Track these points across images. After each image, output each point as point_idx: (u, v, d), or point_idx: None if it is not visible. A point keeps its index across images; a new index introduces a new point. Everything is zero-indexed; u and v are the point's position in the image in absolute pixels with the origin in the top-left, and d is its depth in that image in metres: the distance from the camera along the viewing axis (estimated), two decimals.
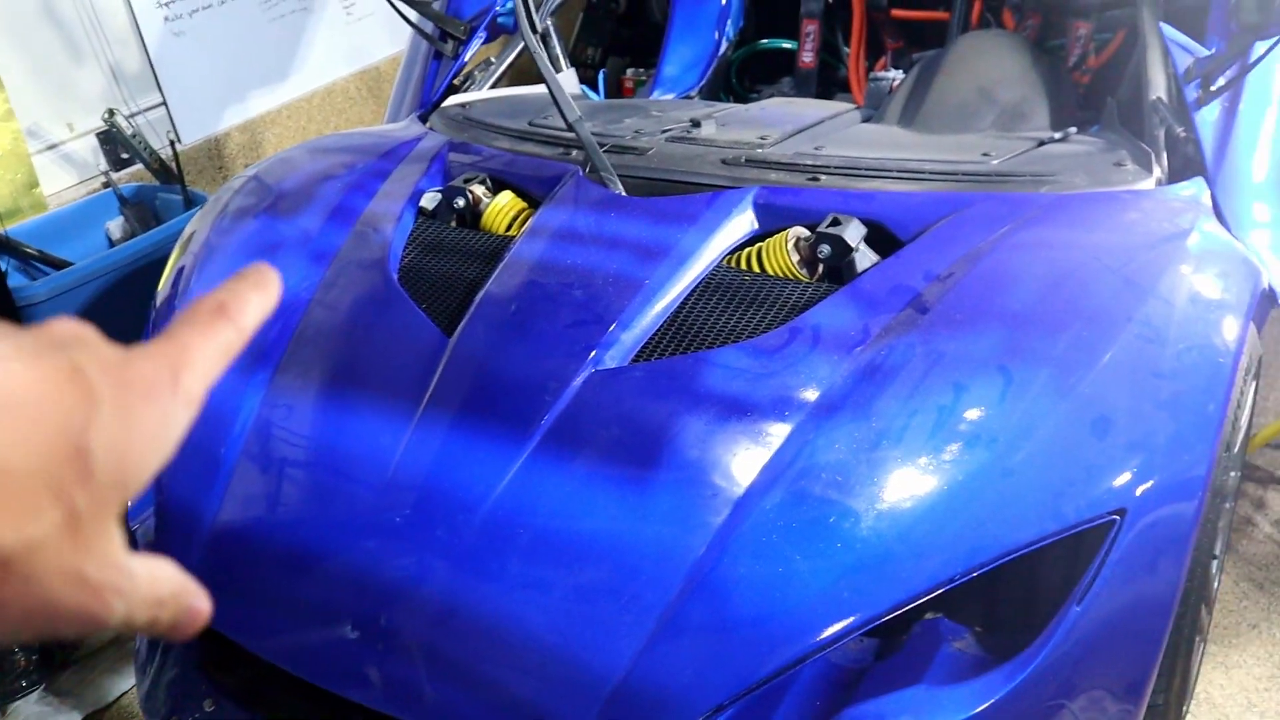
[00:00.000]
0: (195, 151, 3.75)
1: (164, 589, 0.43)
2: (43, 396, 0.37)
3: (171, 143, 3.40)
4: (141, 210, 3.36)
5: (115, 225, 3.34)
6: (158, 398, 0.41)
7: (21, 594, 0.37)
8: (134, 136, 3.33)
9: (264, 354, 1.78)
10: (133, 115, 3.51)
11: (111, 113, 3.32)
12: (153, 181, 3.45)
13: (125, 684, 2.34)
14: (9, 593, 0.37)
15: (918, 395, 1.39)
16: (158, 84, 3.62)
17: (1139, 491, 1.32)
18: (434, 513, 1.46)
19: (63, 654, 2.38)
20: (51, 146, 3.37)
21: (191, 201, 3.30)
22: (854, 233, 1.69)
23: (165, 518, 1.67)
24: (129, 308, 2.97)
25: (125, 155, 3.44)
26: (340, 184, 2.12)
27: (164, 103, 3.65)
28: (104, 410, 0.39)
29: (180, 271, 2.02)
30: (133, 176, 3.49)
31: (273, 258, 1.96)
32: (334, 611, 1.46)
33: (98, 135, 3.44)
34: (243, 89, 3.93)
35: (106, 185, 3.37)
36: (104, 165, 3.46)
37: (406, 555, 1.44)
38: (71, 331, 0.42)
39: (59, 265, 3.08)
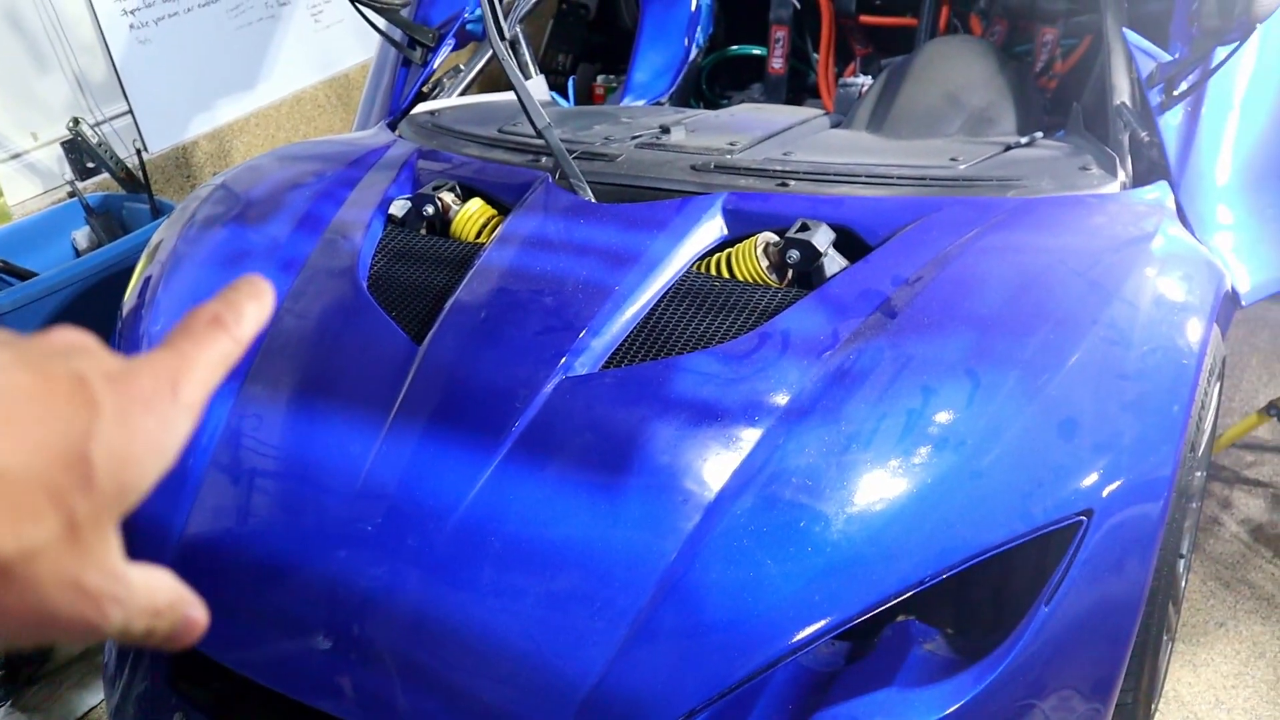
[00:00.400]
0: (162, 160, 3.72)
1: (161, 598, 0.43)
2: (45, 404, 0.38)
3: (138, 151, 3.37)
4: (108, 220, 3.33)
5: (81, 235, 3.31)
6: (158, 407, 0.42)
7: (20, 601, 0.37)
8: (100, 145, 3.30)
9: None
10: (98, 124, 3.48)
11: (77, 121, 3.29)
12: (119, 191, 3.42)
13: (94, 699, 2.31)
14: (7, 599, 0.37)
15: (887, 399, 1.40)
16: (124, 92, 3.60)
17: (1106, 492, 1.34)
18: (405, 521, 1.46)
19: (30, 669, 2.35)
20: (15, 156, 3.34)
21: (159, 211, 3.28)
22: (823, 238, 1.70)
23: (133, 529, 1.65)
24: (96, 318, 2.94)
25: (91, 164, 3.41)
26: (309, 192, 2.11)
27: (130, 111, 3.63)
28: (105, 419, 0.39)
29: (147, 281, 2.00)
30: (99, 186, 3.46)
31: (240, 266, 1.95)
32: (305, 622, 1.45)
33: (63, 144, 3.41)
34: (210, 97, 3.91)
35: (72, 195, 3.34)
36: (69, 174, 3.43)
37: (378, 565, 1.44)
38: (73, 340, 0.42)
39: (24, 276, 3.05)
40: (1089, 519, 1.33)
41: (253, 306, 0.48)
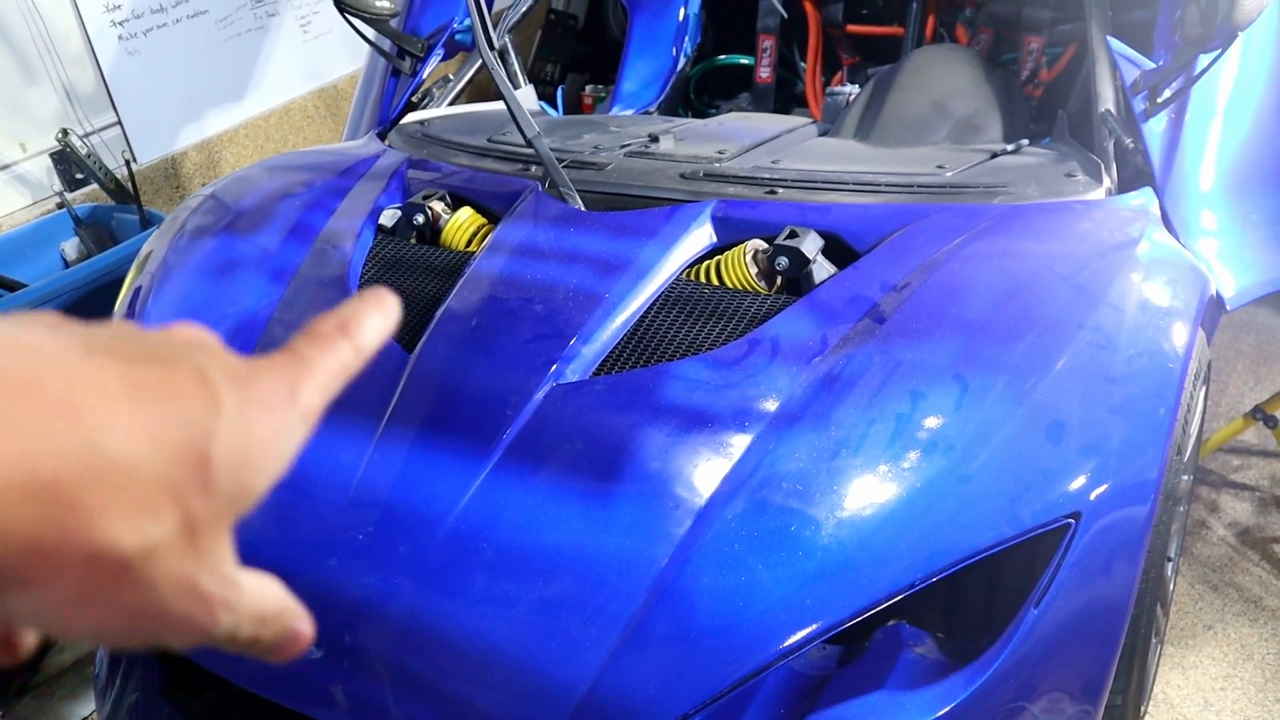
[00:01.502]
0: (151, 171, 3.72)
1: (269, 606, 0.43)
2: (169, 399, 0.37)
3: (127, 162, 3.37)
4: (97, 231, 3.33)
5: (70, 246, 3.30)
6: (276, 410, 0.41)
7: (134, 600, 0.37)
8: (89, 156, 3.30)
9: None
10: (87, 135, 3.48)
11: (65, 132, 3.29)
12: (108, 202, 3.42)
13: (85, 709, 2.31)
14: (122, 598, 0.36)
15: (876, 404, 1.41)
16: (112, 103, 3.60)
17: (1093, 495, 1.35)
18: (397, 529, 1.46)
19: (21, 679, 2.35)
20: (4, 167, 3.34)
21: (148, 221, 3.28)
22: (811, 245, 1.71)
23: None
24: None
25: (80, 175, 3.41)
26: (299, 202, 2.12)
27: (119, 122, 3.63)
28: (226, 418, 0.39)
29: (137, 292, 2.01)
30: (88, 197, 3.46)
31: (231, 276, 1.95)
32: None
33: (51, 155, 3.41)
34: (199, 108, 3.91)
35: (61, 206, 3.34)
36: (58, 186, 3.43)
37: (370, 573, 1.44)
38: (195, 337, 0.42)
39: (13, 287, 3.05)
40: (1077, 522, 1.34)
41: (377, 318, 0.47)
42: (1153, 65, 2.00)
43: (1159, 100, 1.94)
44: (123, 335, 0.39)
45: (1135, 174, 1.96)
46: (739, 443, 1.41)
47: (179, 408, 0.37)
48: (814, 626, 1.28)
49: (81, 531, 0.34)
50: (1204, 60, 1.90)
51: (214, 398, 0.38)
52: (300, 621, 0.44)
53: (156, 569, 0.36)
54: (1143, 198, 1.86)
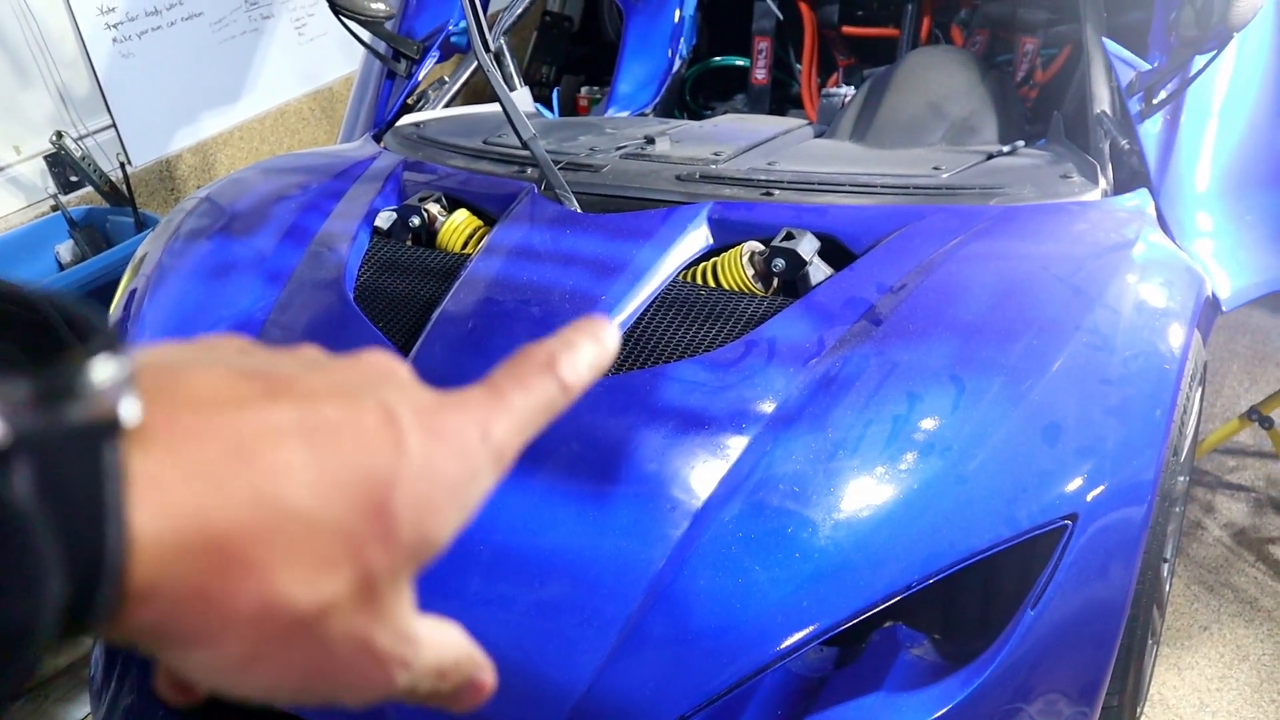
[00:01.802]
0: (146, 174, 3.71)
1: (448, 657, 0.40)
2: (351, 441, 0.34)
3: (122, 165, 3.37)
4: (91, 233, 3.32)
5: (65, 249, 3.30)
6: (466, 453, 0.37)
7: (306, 659, 0.34)
8: (83, 159, 3.30)
9: None
10: (82, 138, 3.47)
11: (60, 135, 3.29)
12: (103, 204, 3.41)
13: (80, 712, 2.30)
14: (294, 657, 0.34)
15: (873, 405, 1.40)
16: (107, 106, 3.59)
17: (1090, 497, 1.35)
18: None
19: None
20: None
21: (143, 224, 3.27)
22: (808, 246, 1.71)
23: None
24: None
25: (74, 178, 3.40)
26: (294, 204, 2.11)
27: (114, 124, 3.62)
28: (410, 462, 0.35)
29: (132, 294, 2.00)
30: (82, 199, 3.46)
31: (226, 279, 1.95)
32: None
33: (46, 158, 3.40)
34: (194, 110, 3.91)
35: (55, 208, 3.34)
36: (52, 188, 3.42)
37: None
38: (385, 367, 0.39)
39: None
40: (1073, 523, 1.34)
41: (591, 350, 0.42)
42: (1148, 67, 2.00)
43: (1154, 101, 1.94)
44: (310, 365, 0.37)
45: (1131, 175, 1.96)
46: (736, 444, 1.41)
47: (360, 452, 0.34)
48: (811, 628, 1.28)
49: (252, 590, 0.32)
50: (1199, 61, 1.91)
51: (399, 439, 0.35)
52: (482, 671, 0.42)
53: (331, 627, 0.34)
54: (1138, 199, 1.86)
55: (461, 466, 0.37)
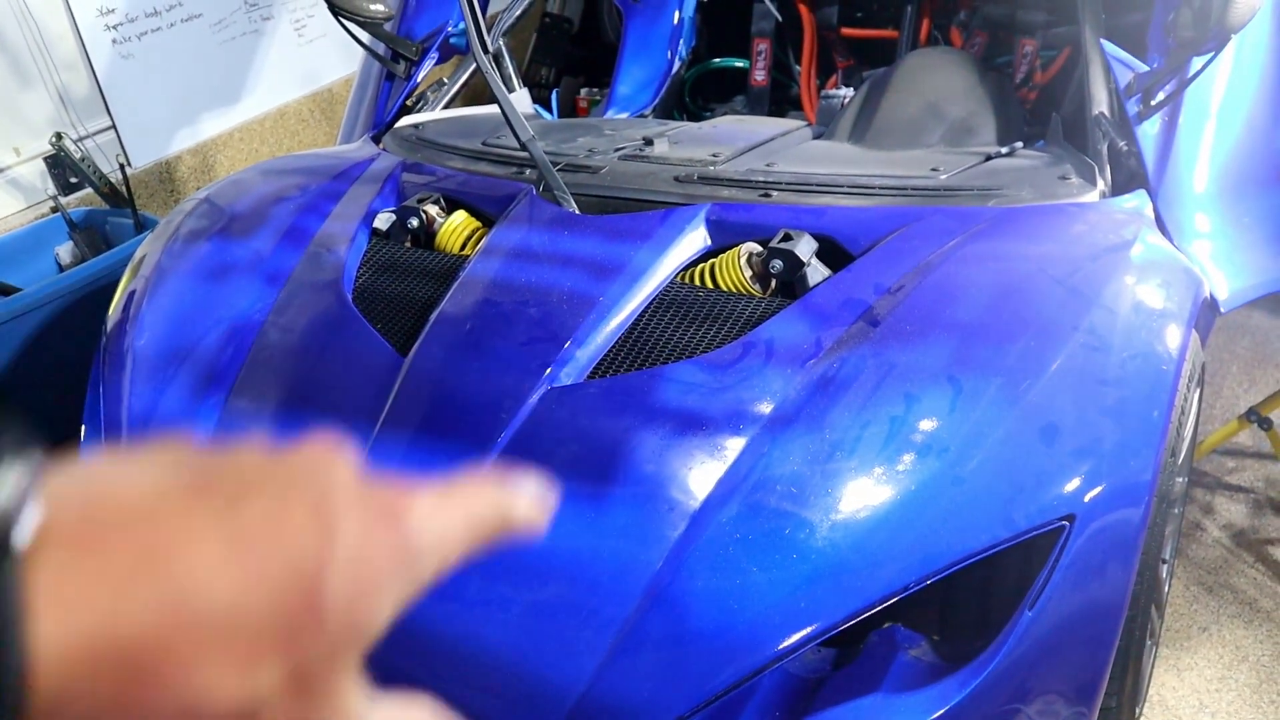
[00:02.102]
0: (146, 175, 3.72)
1: None
2: (277, 537, 0.34)
3: (121, 166, 3.37)
4: (91, 235, 3.32)
5: (64, 250, 3.30)
6: (403, 538, 0.37)
7: None
8: (83, 160, 3.30)
9: (217, 377, 1.77)
10: (81, 139, 3.48)
11: (59, 136, 3.29)
12: (102, 206, 3.41)
13: None
14: None
15: (870, 406, 1.41)
16: (106, 107, 3.59)
17: (1087, 497, 1.35)
18: None
19: None
20: None
21: (142, 225, 3.27)
22: (805, 248, 1.71)
23: None
24: (79, 333, 2.93)
25: (74, 179, 3.40)
26: (293, 205, 2.12)
27: (113, 126, 3.62)
28: (342, 549, 0.35)
29: (131, 295, 2.00)
30: (81, 201, 3.46)
31: (225, 280, 1.95)
32: None
33: (45, 159, 3.40)
34: (193, 111, 3.91)
35: (55, 210, 3.34)
36: (52, 190, 3.43)
37: None
38: (324, 458, 0.38)
39: (7, 291, 3.04)
40: (1071, 524, 1.34)
41: (539, 493, 0.43)
42: (1146, 68, 2.00)
43: (1153, 103, 1.95)
44: (243, 466, 0.36)
45: (1129, 176, 1.96)
46: (733, 445, 1.41)
47: (286, 544, 0.34)
48: (809, 629, 1.28)
49: (170, 694, 0.32)
50: (1197, 63, 1.91)
51: (329, 527, 0.35)
52: None
53: (266, 718, 0.33)
54: (1136, 200, 1.87)
55: (397, 552, 0.37)
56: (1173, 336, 1.53)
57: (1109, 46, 2.03)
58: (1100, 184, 1.89)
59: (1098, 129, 1.99)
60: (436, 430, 1.55)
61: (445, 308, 1.74)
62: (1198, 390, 1.89)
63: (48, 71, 3.42)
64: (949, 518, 1.32)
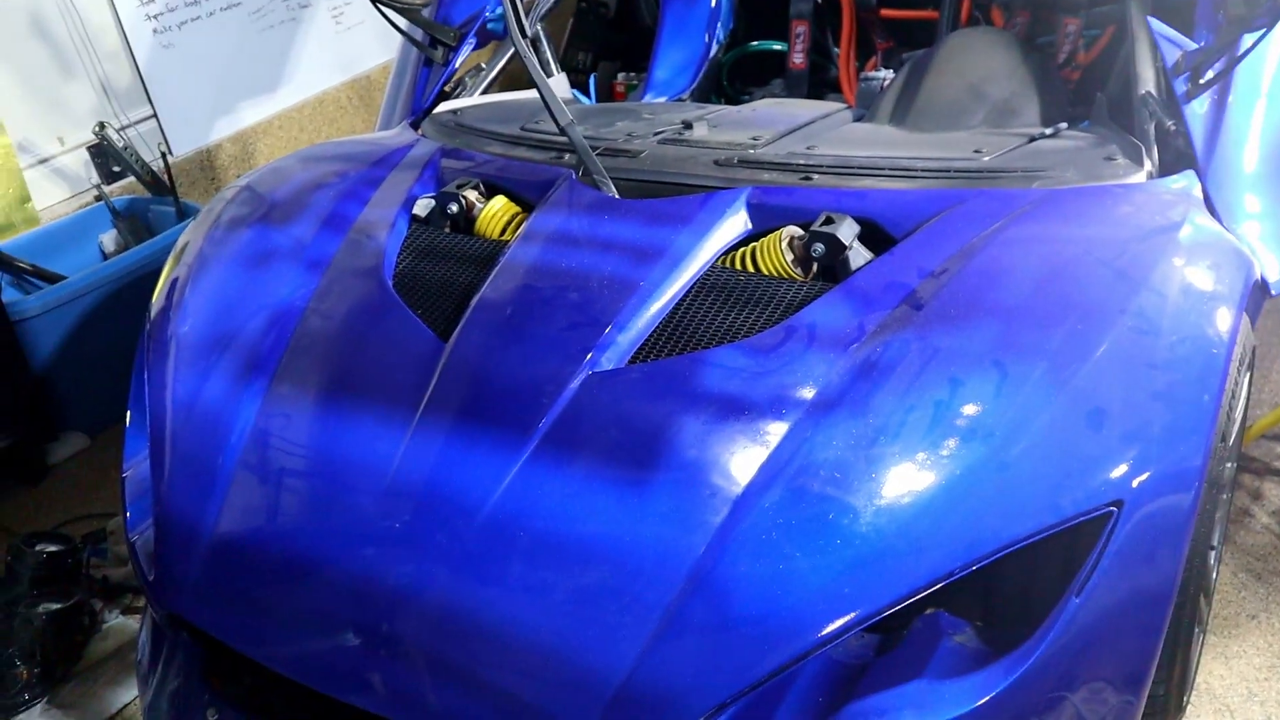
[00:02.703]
0: (187, 163, 3.75)
1: None
2: None
3: (163, 154, 3.40)
4: (134, 223, 3.36)
5: (108, 238, 3.34)
6: None
7: None
8: (125, 149, 3.33)
9: (260, 363, 1.78)
10: (123, 128, 3.51)
11: (102, 125, 3.32)
12: (145, 194, 3.45)
13: (128, 695, 2.33)
14: None
15: (914, 391, 1.39)
16: (148, 96, 3.63)
17: (1135, 483, 1.33)
18: (433, 518, 1.46)
19: (64, 666, 2.38)
20: (42, 161, 3.37)
21: (184, 213, 3.30)
22: (847, 231, 1.69)
23: (164, 528, 1.66)
24: (123, 320, 2.97)
25: (117, 168, 3.44)
26: (333, 192, 2.12)
27: (154, 115, 3.66)
28: None
29: (174, 283, 2.02)
30: (125, 189, 3.49)
31: (267, 267, 1.96)
32: (335, 618, 1.46)
33: (89, 148, 3.44)
34: (234, 100, 3.94)
35: (98, 199, 3.38)
36: (96, 179, 3.46)
37: (406, 561, 1.44)
38: None
39: (53, 279, 3.08)
40: (1119, 510, 1.32)
41: None
42: (1195, 45, 1.96)
43: (1201, 81, 1.91)
44: None
45: (1177, 157, 1.93)
46: (776, 430, 1.40)
47: None
48: (852, 615, 1.27)
49: None
50: (1248, 40, 1.87)
51: None
52: None
53: None
54: (1185, 181, 1.83)
55: None
56: (1223, 319, 1.50)
57: (1156, 24, 2.00)
58: (1147, 164, 1.86)
59: (1144, 108, 1.96)
60: (478, 416, 1.55)
61: (485, 293, 1.74)
62: (1247, 374, 1.86)
63: (91, 62, 3.45)
64: (994, 504, 1.31)
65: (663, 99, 3.03)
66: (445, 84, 2.65)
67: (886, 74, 2.81)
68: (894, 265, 1.63)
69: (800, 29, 3.25)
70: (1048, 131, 2.04)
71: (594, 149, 2.02)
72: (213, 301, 1.94)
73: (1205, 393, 1.42)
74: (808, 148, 2.04)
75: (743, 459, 1.39)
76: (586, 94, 3.29)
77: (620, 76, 3.51)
